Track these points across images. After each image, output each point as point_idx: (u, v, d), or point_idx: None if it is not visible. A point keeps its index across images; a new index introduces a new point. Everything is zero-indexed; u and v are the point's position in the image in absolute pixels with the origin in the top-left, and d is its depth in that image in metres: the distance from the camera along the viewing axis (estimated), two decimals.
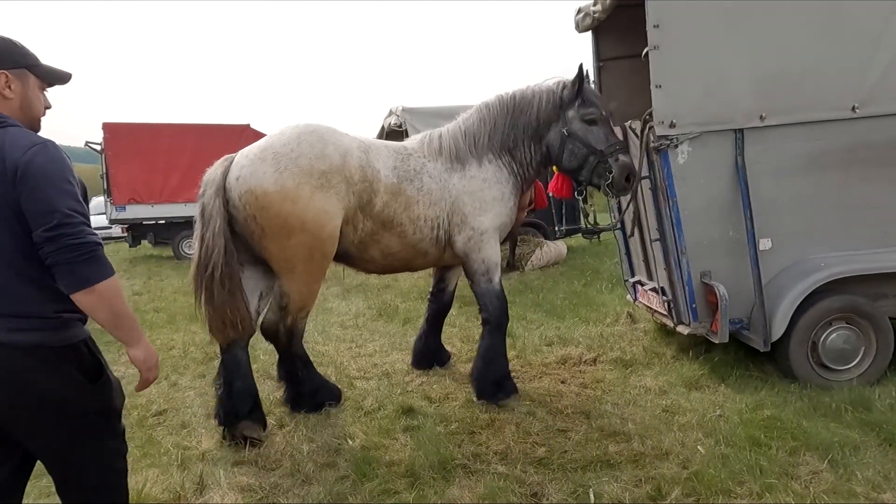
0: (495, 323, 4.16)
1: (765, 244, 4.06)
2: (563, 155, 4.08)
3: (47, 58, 2.10)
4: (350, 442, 3.54)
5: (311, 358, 5.20)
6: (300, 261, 3.61)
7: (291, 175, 3.51)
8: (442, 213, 4.01)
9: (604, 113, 4.08)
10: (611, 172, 3.97)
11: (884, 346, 4.03)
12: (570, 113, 4.03)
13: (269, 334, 3.92)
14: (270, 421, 3.89)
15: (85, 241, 1.79)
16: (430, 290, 4.93)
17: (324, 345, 5.74)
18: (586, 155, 4.01)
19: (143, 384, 2.04)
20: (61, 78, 2.07)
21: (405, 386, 4.50)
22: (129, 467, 3.28)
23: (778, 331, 3.95)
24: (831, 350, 4.02)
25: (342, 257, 3.97)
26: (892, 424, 3.33)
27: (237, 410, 3.62)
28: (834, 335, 4.02)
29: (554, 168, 4.55)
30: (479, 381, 4.13)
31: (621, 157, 3.99)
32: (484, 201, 4.07)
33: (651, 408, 3.86)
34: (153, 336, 6.40)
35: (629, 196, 4.47)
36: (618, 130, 4.68)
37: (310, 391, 4.04)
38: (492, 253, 4.14)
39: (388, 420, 3.84)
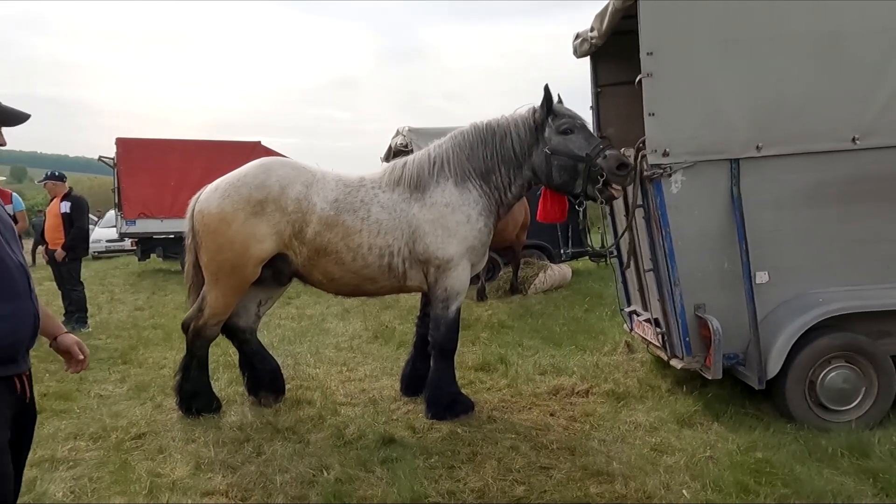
0: (438, 348, 4.29)
1: (761, 277, 3.93)
2: (552, 173, 4.11)
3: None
4: (325, 473, 3.45)
5: (300, 382, 5.20)
6: (223, 275, 4.20)
7: (231, 201, 4.12)
8: (397, 242, 4.15)
9: (577, 121, 4.12)
10: (602, 171, 3.89)
11: (885, 388, 3.86)
12: (547, 132, 4.11)
13: (184, 327, 4.50)
14: (248, 449, 3.82)
15: None
16: (418, 314, 4.85)
17: (314, 367, 5.66)
18: (573, 165, 4.02)
19: None
20: (18, 118, 2.12)
21: (390, 414, 4.40)
22: (98, 494, 3.27)
23: (774, 368, 3.81)
24: (830, 390, 3.85)
25: (301, 278, 4.42)
26: (891, 473, 3.17)
27: (259, 383, 4.62)
28: (833, 374, 3.86)
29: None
30: (430, 407, 4.30)
31: (609, 152, 3.93)
32: (447, 227, 4.13)
33: (639, 446, 3.72)
34: (147, 353, 6.35)
35: (625, 223, 4.39)
36: None
37: (189, 392, 4.40)
38: (456, 283, 4.22)
39: (368, 451, 3.74)
